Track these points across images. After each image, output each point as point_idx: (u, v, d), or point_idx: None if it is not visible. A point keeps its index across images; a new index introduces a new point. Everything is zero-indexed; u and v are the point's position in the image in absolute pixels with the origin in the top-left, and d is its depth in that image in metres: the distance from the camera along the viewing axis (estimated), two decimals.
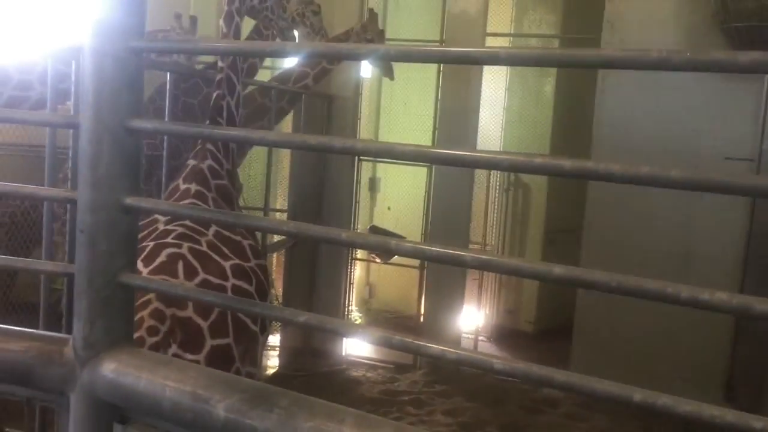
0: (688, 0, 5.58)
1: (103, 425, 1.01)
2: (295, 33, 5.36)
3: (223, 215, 1.25)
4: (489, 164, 0.73)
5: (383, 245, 0.82)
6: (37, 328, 2.67)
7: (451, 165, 0.76)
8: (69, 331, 1.63)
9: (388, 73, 6.08)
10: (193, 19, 5.54)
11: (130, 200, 0.98)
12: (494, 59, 0.77)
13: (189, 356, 2.48)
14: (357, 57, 0.78)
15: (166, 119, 4.04)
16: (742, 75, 5.37)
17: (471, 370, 6.80)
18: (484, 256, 0.74)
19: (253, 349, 3.04)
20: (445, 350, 0.78)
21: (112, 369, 0.99)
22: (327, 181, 6.92)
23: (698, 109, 5.46)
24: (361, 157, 7.04)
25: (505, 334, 7.68)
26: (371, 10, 5.99)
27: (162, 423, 0.95)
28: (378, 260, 7.80)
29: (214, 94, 3.63)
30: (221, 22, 3.87)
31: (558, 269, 0.71)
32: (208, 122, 3.57)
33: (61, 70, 2.53)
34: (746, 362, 5.39)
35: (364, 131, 7.57)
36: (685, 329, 5.10)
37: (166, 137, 4.01)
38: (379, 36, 5.92)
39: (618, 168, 0.68)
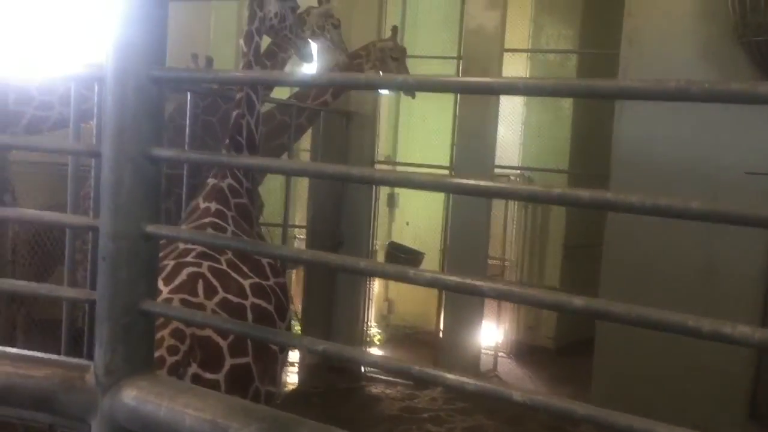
0: (706, 14, 5.54)
1: None
2: (312, 46, 5.40)
3: (242, 243, 1.26)
4: (507, 195, 0.73)
5: (402, 274, 0.82)
6: (59, 345, 2.70)
7: (469, 194, 0.76)
8: (90, 353, 1.65)
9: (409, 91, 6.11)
10: (209, 60, 5.60)
11: (151, 228, 0.99)
12: (512, 89, 0.77)
13: (208, 375, 2.49)
14: (375, 86, 0.79)
15: (187, 139, 4.10)
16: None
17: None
18: (502, 287, 0.73)
19: (273, 367, 3.04)
20: (464, 382, 0.78)
21: (132, 396, 1.00)
22: (346, 197, 6.93)
23: (718, 123, 5.41)
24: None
25: (525, 350, 7.62)
26: (395, 27, 6.02)
27: None
28: None
29: (234, 113, 3.67)
30: (241, 41, 3.91)
31: (578, 301, 0.71)
32: (228, 141, 3.61)
33: (82, 92, 2.57)
34: None
35: (383, 147, 7.59)
36: (708, 345, 5.04)
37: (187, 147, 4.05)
38: (402, 53, 5.95)
39: (636, 199, 0.68)
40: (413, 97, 6.26)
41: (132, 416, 0.99)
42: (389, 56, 5.87)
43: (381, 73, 6.06)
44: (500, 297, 0.75)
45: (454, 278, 0.77)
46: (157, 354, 2.42)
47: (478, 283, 0.76)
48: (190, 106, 4.12)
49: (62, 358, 1.10)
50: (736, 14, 5.26)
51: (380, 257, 7.92)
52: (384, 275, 0.83)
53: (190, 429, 0.93)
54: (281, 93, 6.53)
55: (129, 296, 1.00)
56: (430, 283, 0.80)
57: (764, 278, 5.39)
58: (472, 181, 0.76)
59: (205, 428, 0.92)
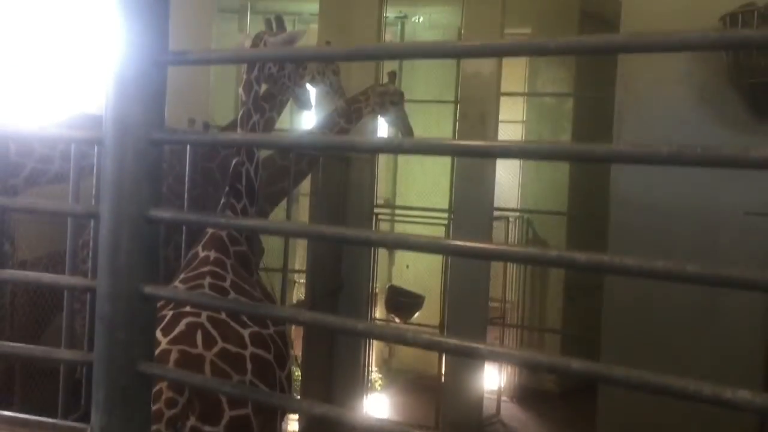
0: (700, 57, 5.60)
1: None
2: (311, 92, 5.46)
3: (240, 305, 1.26)
4: (503, 256, 0.73)
5: (400, 336, 0.82)
6: (57, 395, 2.67)
7: (466, 256, 0.76)
8: (87, 409, 1.63)
9: (408, 133, 6.13)
10: (206, 125, 5.67)
11: (149, 289, 0.99)
12: (506, 153, 0.78)
13: (207, 428, 2.46)
14: (372, 149, 0.80)
15: (186, 187, 4.12)
16: (761, 127, 5.37)
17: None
18: (500, 350, 0.73)
19: (273, 417, 3.01)
20: None
21: None
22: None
23: None
24: (380, 216, 7.07)
25: (528, 394, 7.54)
26: (392, 73, 6.10)
27: None
28: (397, 320, 7.76)
29: (234, 161, 3.69)
30: (240, 90, 3.95)
31: (576, 364, 0.71)
32: (227, 189, 3.62)
33: (82, 149, 2.60)
34: None
35: (382, 191, 7.63)
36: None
37: (186, 200, 4.07)
38: (400, 98, 6.01)
39: (633, 262, 0.68)
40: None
41: None
42: (388, 100, 5.93)
43: (380, 116, 6.13)
44: (499, 359, 0.75)
45: (453, 341, 0.76)
46: (155, 407, 2.39)
47: (476, 345, 0.75)
48: (190, 154, 4.14)
49: (59, 421, 1.08)
50: (730, 57, 5.33)
51: (381, 300, 7.89)
52: (382, 337, 0.83)
53: None
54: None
55: (126, 358, 1.00)
56: (428, 346, 0.79)
57: (765, 316, 5.36)
58: (468, 244, 0.77)
59: None
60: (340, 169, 6.78)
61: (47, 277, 1.17)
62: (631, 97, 5.85)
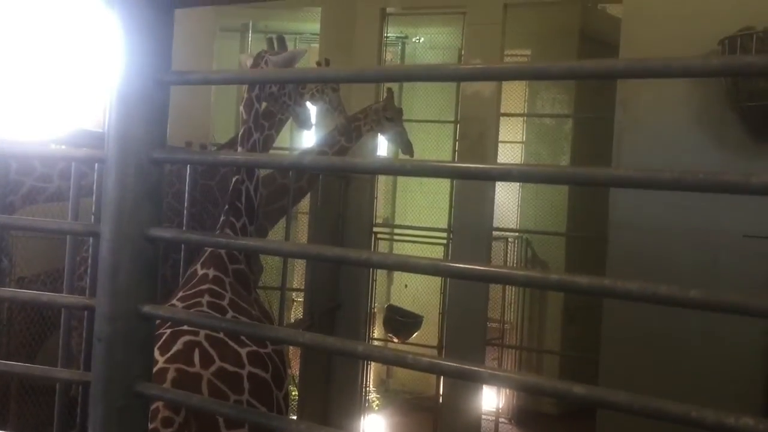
0: (699, 80, 5.63)
1: None
2: (311, 111, 5.46)
3: (239, 326, 1.25)
4: (504, 279, 0.73)
5: (400, 360, 0.81)
6: (53, 412, 2.65)
7: (465, 279, 0.76)
8: (83, 429, 1.61)
9: (408, 150, 6.12)
10: (202, 146, 5.69)
11: (148, 308, 0.98)
12: (506, 176, 0.78)
13: None
14: (372, 171, 0.79)
15: (186, 204, 4.11)
16: (759, 149, 5.39)
17: None
18: (501, 373, 0.73)
19: None
20: None
21: None
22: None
23: None
24: (379, 236, 7.06)
25: (526, 416, 7.50)
26: (389, 90, 6.12)
27: None
28: (396, 340, 7.72)
29: (234, 179, 3.69)
30: (241, 108, 3.96)
31: (578, 389, 0.70)
32: (227, 207, 3.62)
33: (81, 168, 2.60)
34: None
35: (381, 210, 7.63)
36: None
37: (185, 218, 4.07)
38: (398, 114, 6.02)
39: (636, 287, 0.68)
40: (411, 156, 6.30)
41: None
42: (383, 117, 5.94)
43: (380, 134, 6.14)
44: (500, 384, 0.74)
45: (454, 364, 0.76)
46: (151, 426, 2.37)
47: (478, 368, 0.75)
48: (190, 172, 4.15)
49: None
50: (729, 81, 5.36)
51: (379, 320, 7.86)
52: (381, 359, 0.83)
53: None
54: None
55: (124, 378, 0.99)
56: (429, 369, 0.79)
57: (764, 340, 5.34)
58: (469, 266, 0.76)
59: None
60: (339, 188, 6.79)
61: (46, 296, 1.16)
62: (630, 119, 5.87)
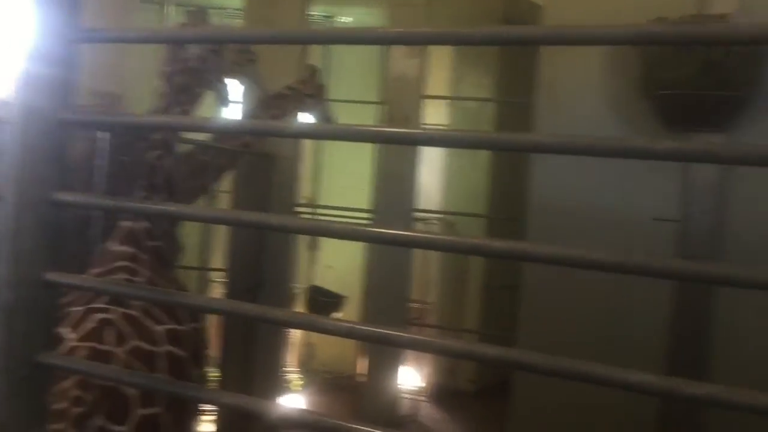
0: (615, 68, 5.80)
1: None
2: (231, 88, 5.34)
3: (151, 293, 1.22)
4: (423, 244, 0.74)
5: (320, 325, 0.80)
6: None
7: (386, 244, 0.76)
8: None
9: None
10: (115, 97, 5.48)
11: (51, 276, 0.94)
12: (429, 141, 0.78)
13: (116, 428, 2.38)
14: (290, 135, 0.78)
15: (105, 180, 3.97)
16: (672, 137, 5.61)
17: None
18: (418, 337, 0.73)
19: (186, 416, 2.94)
20: None
21: None
22: (266, 240, 6.85)
23: (626, 171, 5.61)
24: (302, 215, 7.02)
25: (445, 394, 7.63)
26: (311, 66, 6.06)
27: None
28: None
29: (151, 155, 3.59)
30: (160, 82, 3.85)
31: (491, 350, 0.71)
32: (144, 183, 3.52)
33: None
34: None
35: (305, 190, 7.58)
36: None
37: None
38: (319, 91, 5.95)
39: (548, 250, 0.69)
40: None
41: None
42: (303, 93, 5.88)
43: (304, 111, 6.07)
44: (416, 347, 0.75)
45: (371, 328, 0.76)
46: (61, 406, 2.30)
47: (394, 333, 0.75)
48: (107, 147, 4.00)
49: None
50: (642, 69, 5.54)
51: (302, 301, 7.84)
52: (301, 326, 0.82)
53: None
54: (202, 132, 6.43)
55: (26, 348, 0.95)
56: (347, 334, 0.78)
57: (670, 314, 5.58)
58: (390, 231, 0.76)
59: None
60: (262, 167, 6.69)
61: None
62: (551, 104, 6.01)
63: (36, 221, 0.94)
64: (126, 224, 3.29)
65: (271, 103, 5.81)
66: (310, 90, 5.81)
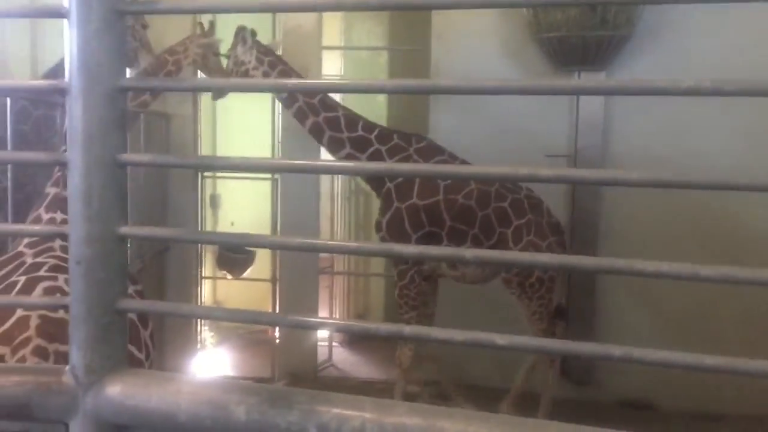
0: (505, 12, 6.08)
1: None
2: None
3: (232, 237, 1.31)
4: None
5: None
6: None
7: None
8: None
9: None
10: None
11: (124, 230, 1.04)
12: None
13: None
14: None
15: (8, 148, 3.85)
16: (558, 77, 5.97)
17: (331, 375, 6.96)
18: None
19: None
20: None
21: (118, 391, 1.04)
22: (169, 200, 6.78)
23: (521, 110, 5.94)
24: (204, 174, 6.98)
25: (357, 338, 7.90)
26: (212, 23, 5.99)
27: None
28: (229, 276, 7.75)
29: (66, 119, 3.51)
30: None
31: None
32: (64, 149, 3.45)
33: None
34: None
35: (204, 150, 7.51)
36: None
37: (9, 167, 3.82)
38: (209, 47, 5.87)
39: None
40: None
41: (120, 409, 1.03)
42: (211, 52, 5.83)
43: (200, 70, 6.01)
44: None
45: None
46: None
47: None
48: (10, 113, 3.87)
49: (32, 365, 1.10)
50: (530, 12, 5.84)
51: (210, 259, 7.83)
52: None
53: (187, 412, 1.00)
54: None
55: (106, 297, 1.04)
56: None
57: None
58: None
59: (203, 409, 0.99)
60: (160, 127, 6.57)
61: (14, 227, 1.15)
62: (444, 50, 6.23)
63: (104, 182, 1.02)
64: (54, 191, 3.24)
65: (166, 61, 5.73)
66: (214, 48, 5.76)
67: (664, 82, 0.80)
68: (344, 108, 5.30)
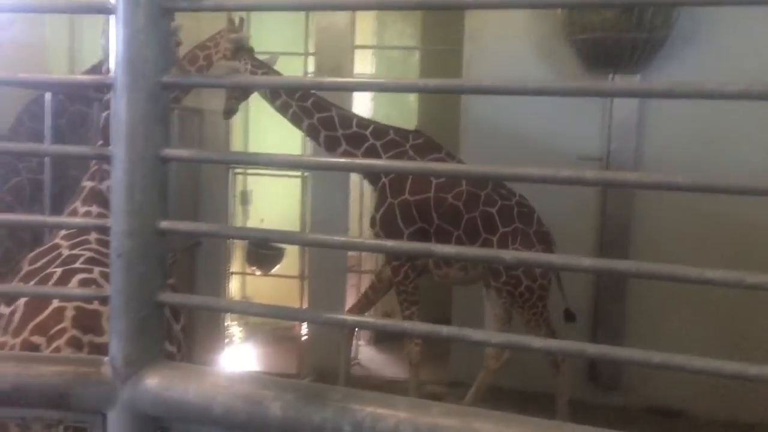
0: (538, 13, 6.03)
1: None
2: None
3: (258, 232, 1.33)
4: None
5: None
6: None
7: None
8: None
9: None
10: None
11: (165, 224, 1.05)
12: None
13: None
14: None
15: (48, 142, 3.93)
16: (592, 79, 5.90)
17: (357, 374, 6.97)
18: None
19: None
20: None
21: (156, 383, 1.06)
22: (200, 197, 6.85)
23: (553, 112, 5.89)
24: (236, 170, 7.04)
25: (384, 336, 7.90)
26: (242, 19, 6.03)
27: (211, 428, 1.03)
28: (258, 273, 7.80)
29: (104, 115, 3.56)
30: (102, 41, 3.79)
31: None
32: (101, 143, 3.50)
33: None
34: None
35: (236, 146, 7.57)
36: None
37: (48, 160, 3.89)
38: (238, 42, 5.90)
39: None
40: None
41: (157, 401, 1.05)
42: (242, 47, 5.86)
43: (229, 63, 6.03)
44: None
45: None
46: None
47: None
48: (50, 106, 3.95)
49: (70, 355, 1.12)
50: (564, 13, 5.80)
51: (240, 255, 7.89)
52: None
53: (223, 405, 1.01)
54: None
55: (145, 290, 1.06)
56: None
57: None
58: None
59: (239, 403, 1.00)
60: (193, 123, 6.65)
61: (54, 219, 1.17)
62: (477, 50, 6.21)
63: (146, 176, 1.04)
64: (90, 185, 3.28)
65: (196, 56, 5.80)
66: (246, 42, 5.80)
67: (714, 84, 0.79)
68: (338, 107, 5.31)
